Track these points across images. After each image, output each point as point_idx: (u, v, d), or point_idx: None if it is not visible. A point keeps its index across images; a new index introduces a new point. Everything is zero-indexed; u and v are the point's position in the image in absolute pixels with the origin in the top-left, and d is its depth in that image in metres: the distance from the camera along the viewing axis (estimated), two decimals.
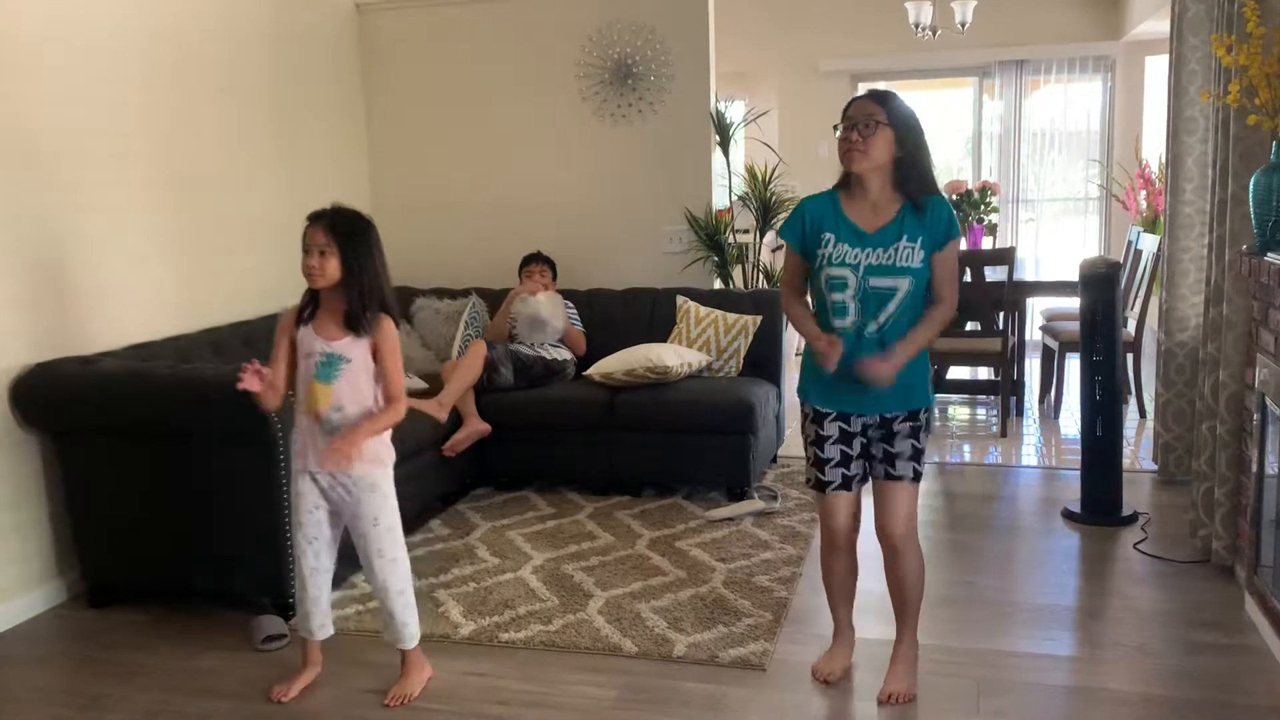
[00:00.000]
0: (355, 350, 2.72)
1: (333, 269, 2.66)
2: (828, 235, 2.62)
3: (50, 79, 3.53)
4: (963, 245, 6.79)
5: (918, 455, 2.69)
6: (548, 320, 4.73)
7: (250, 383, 2.67)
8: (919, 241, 2.57)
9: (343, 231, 2.67)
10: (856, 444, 2.71)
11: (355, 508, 2.79)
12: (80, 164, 3.66)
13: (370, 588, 2.90)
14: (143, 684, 2.97)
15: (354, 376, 2.72)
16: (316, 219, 2.69)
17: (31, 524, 3.47)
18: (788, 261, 2.79)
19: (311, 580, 2.83)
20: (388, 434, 2.84)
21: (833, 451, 2.71)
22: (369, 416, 2.74)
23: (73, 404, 3.35)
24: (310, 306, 2.76)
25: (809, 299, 2.77)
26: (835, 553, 2.83)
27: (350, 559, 2.94)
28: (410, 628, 2.85)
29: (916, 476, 2.70)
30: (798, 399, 2.81)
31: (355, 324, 2.70)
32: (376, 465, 2.79)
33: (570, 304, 4.95)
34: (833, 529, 2.78)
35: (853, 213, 2.63)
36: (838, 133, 2.61)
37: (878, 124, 2.53)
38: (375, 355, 2.74)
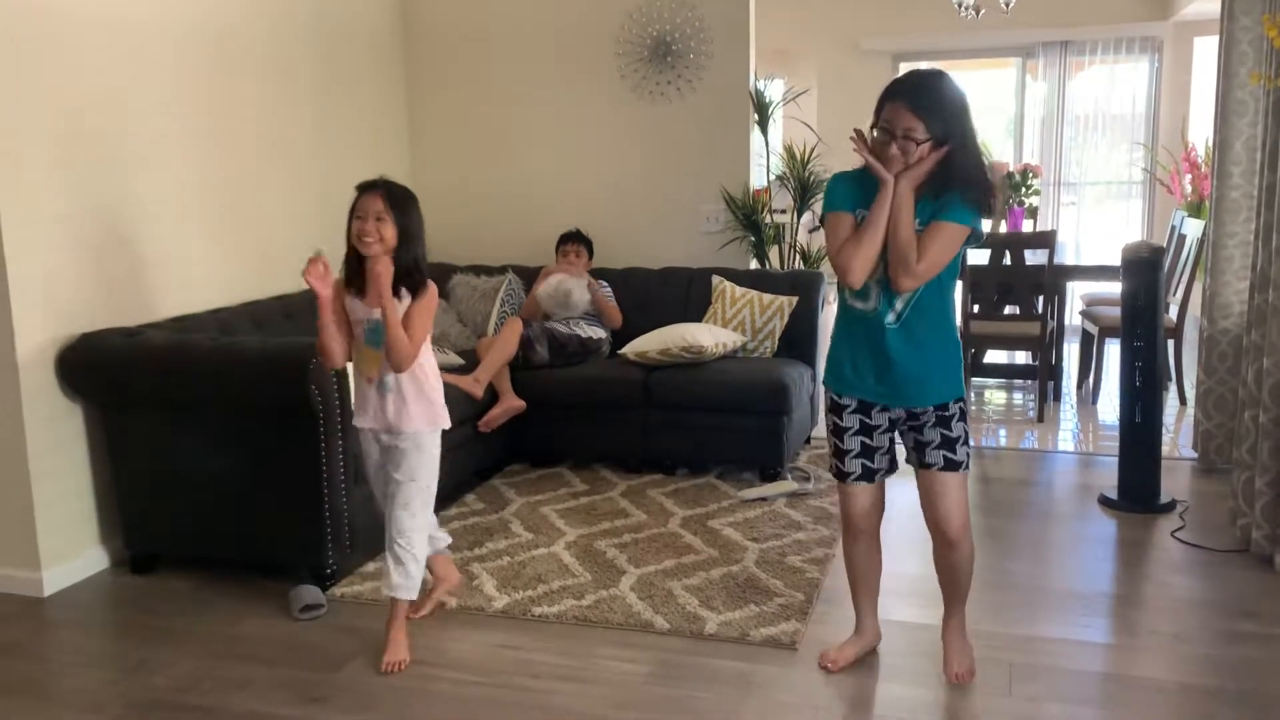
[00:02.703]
0: (400, 314, 2.82)
1: (390, 235, 2.77)
2: (861, 212, 2.52)
3: (98, 60, 3.57)
4: (1003, 228, 6.72)
5: (949, 443, 2.59)
6: (570, 292, 4.75)
7: (314, 275, 2.75)
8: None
9: (398, 201, 2.80)
10: (881, 437, 2.66)
11: (400, 460, 2.89)
12: (125, 142, 3.70)
13: (386, 540, 2.93)
14: (186, 649, 3.03)
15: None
16: (371, 187, 2.80)
17: (77, 492, 3.54)
18: (839, 227, 2.52)
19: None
20: (441, 397, 2.96)
21: (852, 443, 2.66)
22: (418, 378, 2.89)
23: (117, 375, 3.41)
24: (358, 276, 2.84)
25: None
26: (855, 541, 2.79)
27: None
28: (410, 574, 2.89)
29: (950, 465, 2.60)
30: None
31: (408, 287, 2.82)
32: (427, 426, 2.91)
33: (604, 282, 4.97)
34: (852, 518, 2.75)
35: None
36: (874, 135, 2.47)
37: (917, 143, 2.38)
38: (408, 313, 2.83)
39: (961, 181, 2.44)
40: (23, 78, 3.28)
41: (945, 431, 2.60)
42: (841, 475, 2.71)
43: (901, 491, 2.76)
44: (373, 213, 2.76)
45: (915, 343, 2.54)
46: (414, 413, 2.88)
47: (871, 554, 2.83)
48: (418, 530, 2.91)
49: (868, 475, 2.69)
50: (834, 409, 2.69)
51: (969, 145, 2.45)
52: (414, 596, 2.95)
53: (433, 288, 2.88)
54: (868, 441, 2.66)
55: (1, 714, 2.72)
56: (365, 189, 2.81)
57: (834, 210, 2.58)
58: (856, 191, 2.55)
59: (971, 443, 2.66)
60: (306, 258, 2.76)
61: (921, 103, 2.38)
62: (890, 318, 2.54)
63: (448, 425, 2.98)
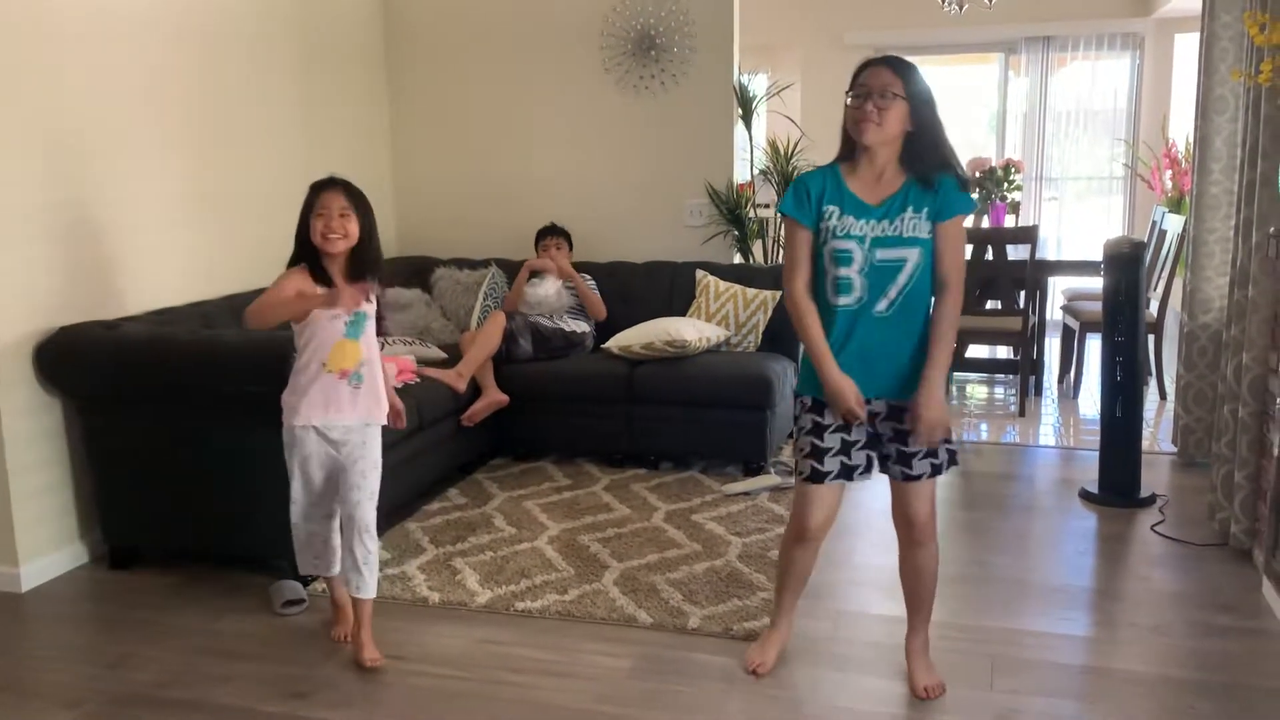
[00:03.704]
0: (369, 307, 2.88)
1: (354, 231, 2.80)
2: (831, 208, 2.48)
3: (77, 52, 3.53)
4: (985, 223, 6.75)
5: (933, 450, 2.54)
6: (545, 299, 4.75)
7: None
8: (924, 213, 2.45)
9: (358, 198, 2.84)
10: (859, 432, 2.57)
11: (360, 452, 2.89)
12: (104, 134, 3.67)
13: (344, 533, 2.90)
14: (166, 645, 3.01)
15: (370, 330, 2.89)
16: (330, 185, 2.82)
17: (55, 486, 3.51)
18: (793, 242, 2.55)
19: (328, 538, 3.00)
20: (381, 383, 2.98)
21: (833, 440, 2.58)
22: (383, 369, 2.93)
23: (95, 368, 3.38)
24: (325, 276, 2.84)
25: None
26: (803, 546, 2.71)
27: None
28: (374, 571, 2.89)
29: (936, 471, 2.57)
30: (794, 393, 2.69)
31: (359, 275, 2.85)
32: (381, 416, 2.95)
33: (588, 276, 4.96)
34: (810, 521, 2.63)
35: (855, 186, 2.50)
36: (849, 100, 2.47)
37: (895, 95, 2.40)
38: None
39: (940, 159, 2.47)
40: (1, 68, 3.25)
41: None
42: (818, 477, 2.59)
43: (880, 487, 2.75)
44: (337, 209, 2.77)
45: (906, 331, 2.51)
46: (376, 404, 2.91)
47: (811, 562, 2.77)
48: (373, 518, 2.94)
49: (846, 474, 2.59)
50: (813, 408, 2.59)
51: (939, 124, 2.49)
52: (373, 594, 2.91)
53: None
54: (847, 438, 2.58)
55: None
56: (324, 187, 2.81)
57: (790, 216, 2.56)
58: (819, 191, 2.51)
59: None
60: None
61: (899, 65, 2.46)
62: (881, 305, 2.49)
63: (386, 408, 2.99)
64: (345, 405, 2.85)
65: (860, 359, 2.51)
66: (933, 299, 2.53)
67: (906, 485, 2.60)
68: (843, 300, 2.50)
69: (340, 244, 2.79)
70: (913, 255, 2.46)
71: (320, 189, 2.82)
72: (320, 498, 2.95)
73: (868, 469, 2.63)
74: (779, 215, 2.66)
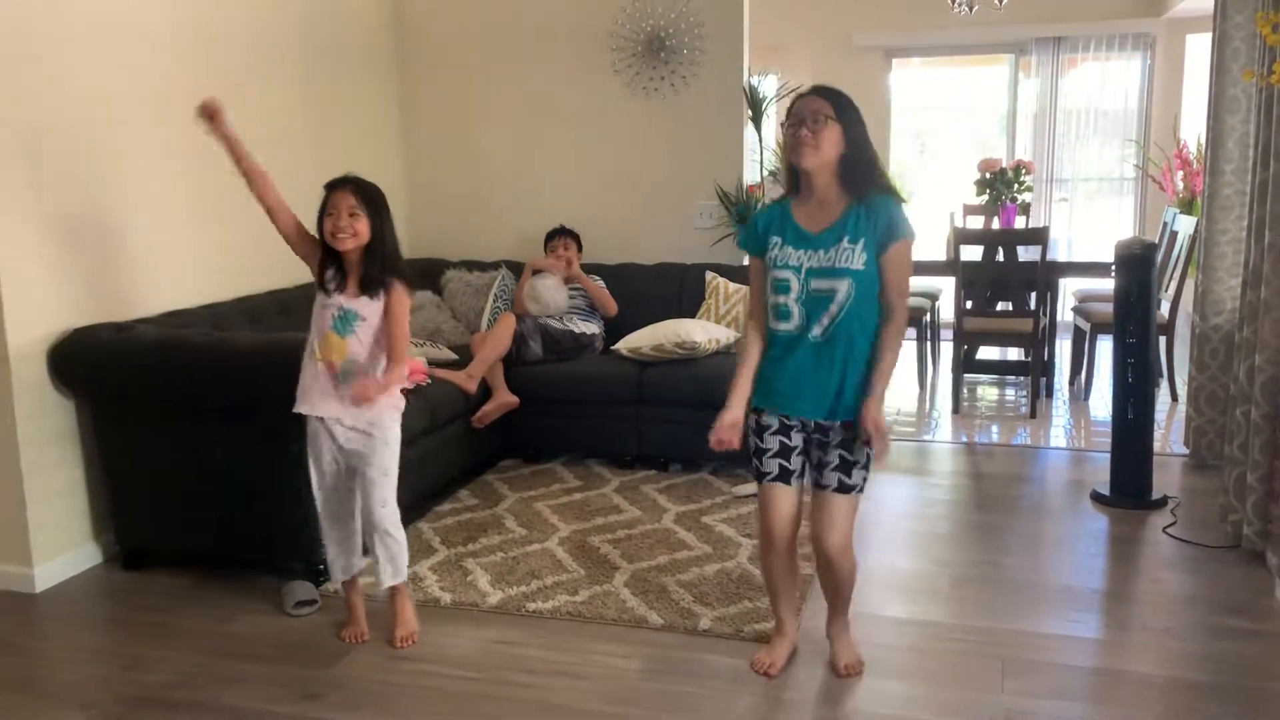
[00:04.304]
0: (370, 310, 2.87)
1: (363, 230, 2.81)
2: (775, 239, 2.63)
3: (89, 56, 3.55)
4: (995, 224, 6.73)
5: (846, 467, 2.62)
6: (541, 294, 4.75)
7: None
8: (860, 243, 2.54)
9: (369, 197, 2.83)
10: (796, 437, 2.68)
11: (369, 456, 2.92)
12: (117, 137, 3.69)
13: (364, 533, 3.03)
14: (179, 646, 3.03)
15: (366, 334, 2.87)
16: (342, 184, 2.84)
17: (69, 487, 3.53)
18: (752, 275, 2.76)
19: (349, 535, 3.04)
20: (398, 388, 2.97)
21: (771, 442, 2.68)
22: (378, 373, 2.89)
23: (108, 370, 3.40)
24: (337, 275, 2.87)
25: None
26: (770, 552, 2.75)
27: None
28: (401, 561, 3.00)
29: (843, 488, 2.63)
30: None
31: (373, 286, 2.85)
32: (389, 412, 2.94)
33: (597, 276, 4.97)
34: (769, 525, 2.71)
35: (800, 215, 2.62)
36: (784, 130, 2.61)
37: (826, 118, 2.52)
38: (385, 316, 2.88)
39: (874, 176, 2.58)
40: (13, 72, 3.26)
41: (844, 454, 2.63)
42: (760, 476, 2.72)
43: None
44: (345, 208, 2.80)
45: (835, 357, 2.58)
46: (380, 401, 2.89)
47: (788, 567, 2.79)
48: (395, 517, 2.99)
49: (784, 476, 2.68)
50: (755, 409, 2.73)
51: (869, 144, 2.59)
52: (405, 575, 3.04)
53: (400, 288, 2.88)
54: (786, 442, 2.68)
55: None
56: (334, 186, 2.84)
57: (746, 250, 2.77)
58: (768, 224, 2.66)
59: (871, 468, 2.68)
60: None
61: (828, 92, 2.58)
62: (816, 331, 2.59)
63: (403, 404, 2.99)
64: (331, 397, 2.89)
65: (794, 380, 2.63)
66: (881, 324, 2.62)
67: (818, 499, 2.68)
68: (782, 326, 2.64)
69: (349, 243, 2.81)
70: (843, 286, 2.55)
71: (331, 188, 2.85)
72: (332, 493, 2.99)
73: (802, 474, 2.73)
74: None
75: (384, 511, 2.95)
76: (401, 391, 3.00)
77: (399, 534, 2.99)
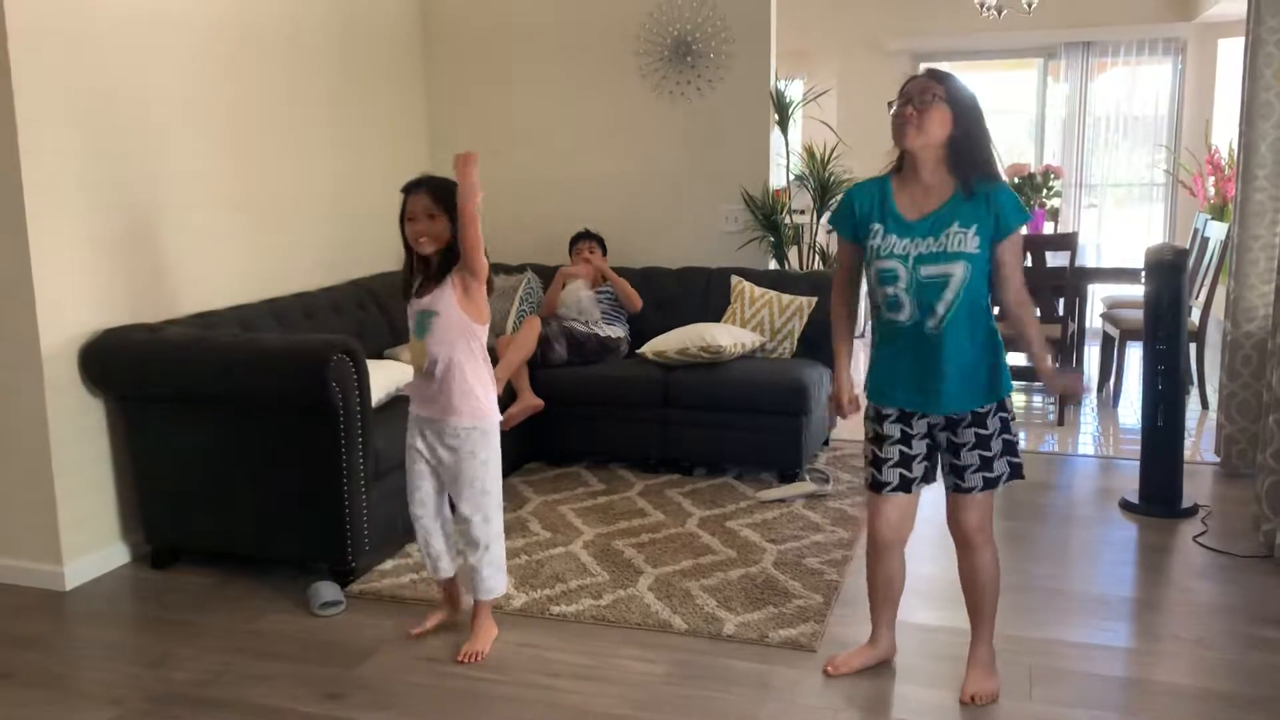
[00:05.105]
0: (441, 302, 2.82)
1: (442, 230, 2.78)
2: (876, 226, 2.53)
3: (121, 58, 3.59)
4: (1024, 230, 6.68)
5: (988, 463, 2.55)
6: (580, 299, 4.79)
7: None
8: (973, 228, 2.45)
9: (445, 195, 2.78)
10: (920, 444, 2.61)
11: (460, 466, 2.89)
12: (148, 140, 3.72)
13: (461, 541, 3.01)
14: (206, 644, 3.05)
15: (443, 328, 2.82)
16: (416, 187, 2.81)
17: (98, 486, 3.56)
18: (840, 253, 2.70)
19: (417, 527, 3.00)
20: (490, 400, 2.92)
21: (891, 451, 2.61)
22: (468, 372, 2.86)
23: (139, 370, 3.43)
24: (419, 279, 2.86)
25: (860, 299, 2.73)
26: (881, 556, 2.74)
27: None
28: (489, 581, 2.95)
29: (988, 485, 2.57)
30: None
31: (445, 272, 2.81)
32: (469, 420, 2.87)
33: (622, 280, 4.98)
34: (881, 531, 2.68)
35: (902, 200, 2.52)
36: (892, 110, 2.50)
37: (935, 98, 2.43)
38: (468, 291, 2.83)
39: (984, 164, 2.49)
40: (48, 75, 3.30)
41: (984, 452, 2.55)
42: (877, 486, 2.65)
43: (925, 494, 2.73)
44: (423, 212, 2.77)
45: (957, 348, 2.50)
46: (459, 401, 2.85)
47: (895, 569, 2.77)
48: (495, 534, 2.94)
49: (905, 485, 2.63)
50: (875, 417, 2.64)
51: (984, 130, 2.50)
52: (503, 589, 3.01)
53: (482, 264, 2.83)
54: (906, 450, 2.61)
55: (23, 706, 2.74)
56: (410, 190, 2.82)
57: (838, 230, 2.68)
58: (866, 208, 2.57)
59: (1022, 443, 2.64)
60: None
61: (940, 74, 2.51)
62: (931, 324, 2.50)
63: (496, 419, 2.94)
64: (427, 400, 2.89)
65: (915, 375, 2.54)
66: (1010, 313, 2.60)
67: (958, 497, 2.62)
68: (894, 316, 2.54)
69: (429, 246, 2.79)
70: (958, 270, 2.46)
71: (406, 192, 2.82)
72: (417, 488, 2.96)
73: (925, 479, 2.67)
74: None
75: (474, 520, 2.90)
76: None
77: (491, 549, 2.93)
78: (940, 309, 2.48)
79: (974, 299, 2.49)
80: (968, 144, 2.47)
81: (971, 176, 2.47)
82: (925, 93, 2.44)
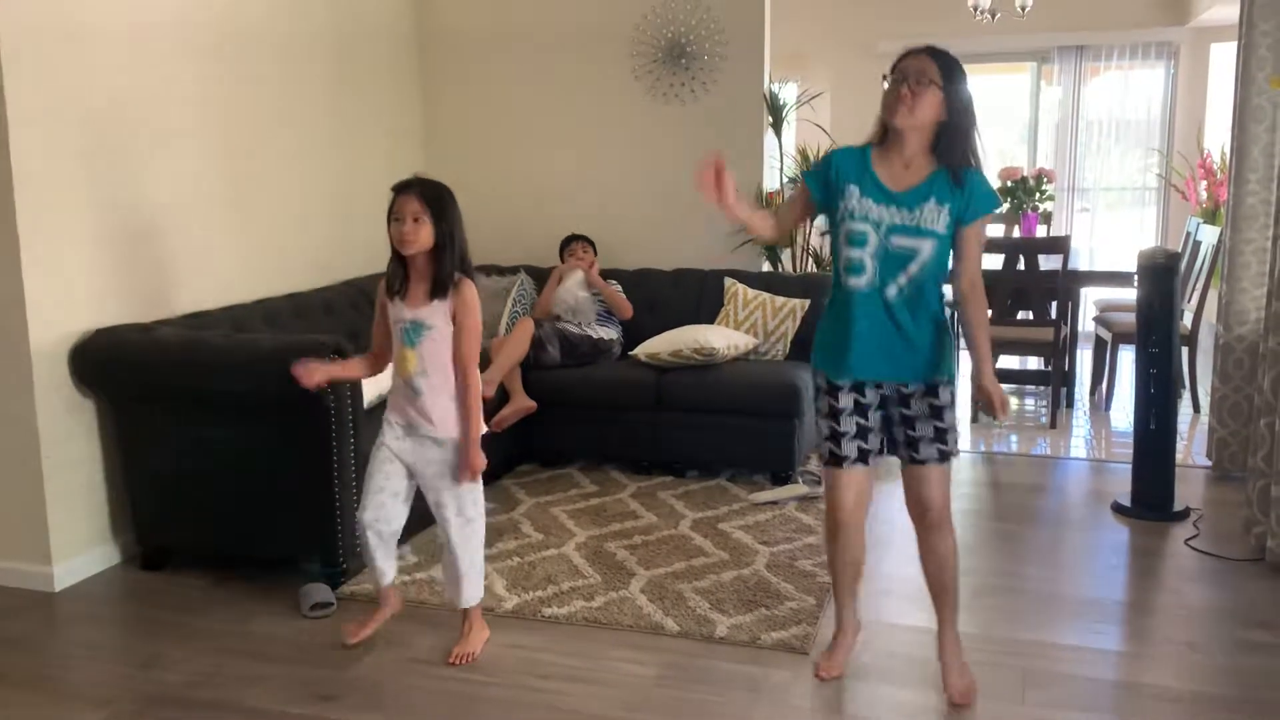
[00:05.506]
0: (437, 316, 2.81)
1: (426, 235, 2.75)
2: (852, 188, 2.52)
3: (115, 58, 3.58)
4: (1016, 233, 6.70)
5: (941, 435, 2.58)
6: (577, 297, 4.78)
7: (307, 380, 2.83)
8: (945, 208, 2.48)
9: (433, 200, 2.76)
10: (874, 416, 2.62)
11: (446, 470, 2.87)
12: (141, 139, 3.71)
13: (440, 546, 2.96)
14: (196, 646, 3.03)
15: (436, 342, 2.81)
16: (406, 188, 2.78)
17: (89, 487, 3.55)
18: (795, 198, 2.70)
19: (369, 534, 2.94)
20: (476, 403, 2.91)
21: (848, 424, 2.62)
22: (452, 388, 2.85)
23: (130, 370, 3.42)
24: (399, 279, 2.83)
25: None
26: (843, 534, 2.71)
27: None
28: (470, 589, 2.93)
29: (943, 457, 2.59)
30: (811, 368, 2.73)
31: (440, 289, 2.79)
32: (456, 429, 2.87)
33: (613, 280, 4.97)
34: (842, 508, 2.66)
35: (882, 169, 2.52)
36: (885, 83, 2.51)
37: (930, 82, 2.42)
38: (454, 320, 2.82)
39: (968, 152, 2.49)
40: (42, 75, 3.29)
41: (938, 423, 2.58)
42: (837, 460, 2.64)
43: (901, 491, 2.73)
44: (410, 214, 2.74)
45: (916, 317, 2.54)
46: (443, 414, 2.84)
47: (858, 548, 2.75)
48: (478, 542, 2.92)
49: (863, 457, 2.63)
50: (829, 391, 2.64)
51: (972, 119, 2.49)
52: (481, 593, 2.98)
53: (467, 287, 2.82)
54: (863, 422, 2.62)
55: (12, 707, 2.72)
56: (400, 190, 2.79)
57: (805, 182, 2.66)
58: (845, 169, 2.55)
59: (958, 427, 2.64)
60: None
61: (940, 55, 2.47)
62: (892, 291, 2.52)
63: (481, 430, 2.92)
64: (410, 406, 2.87)
65: (873, 341, 2.55)
66: (963, 294, 2.58)
67: (915, 470, 2.62)
68: (854, 281, 2.55)
69: (412, 247, 2.76)
70: (926, 247, 2.50)
71: (396, 192, 2.79)
72: (380, 489, 2.90)
73: (881, 451, 2.67)
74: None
75: (459, 521, 2.89)
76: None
77: (474, 555, 2.92)
78: (902, 279, 2.52)
79: (932, 277, 2.53)
80: (955, 132, 2.48)
81: (954, 161, 2.49)
82: (922, 75, 2.44)
